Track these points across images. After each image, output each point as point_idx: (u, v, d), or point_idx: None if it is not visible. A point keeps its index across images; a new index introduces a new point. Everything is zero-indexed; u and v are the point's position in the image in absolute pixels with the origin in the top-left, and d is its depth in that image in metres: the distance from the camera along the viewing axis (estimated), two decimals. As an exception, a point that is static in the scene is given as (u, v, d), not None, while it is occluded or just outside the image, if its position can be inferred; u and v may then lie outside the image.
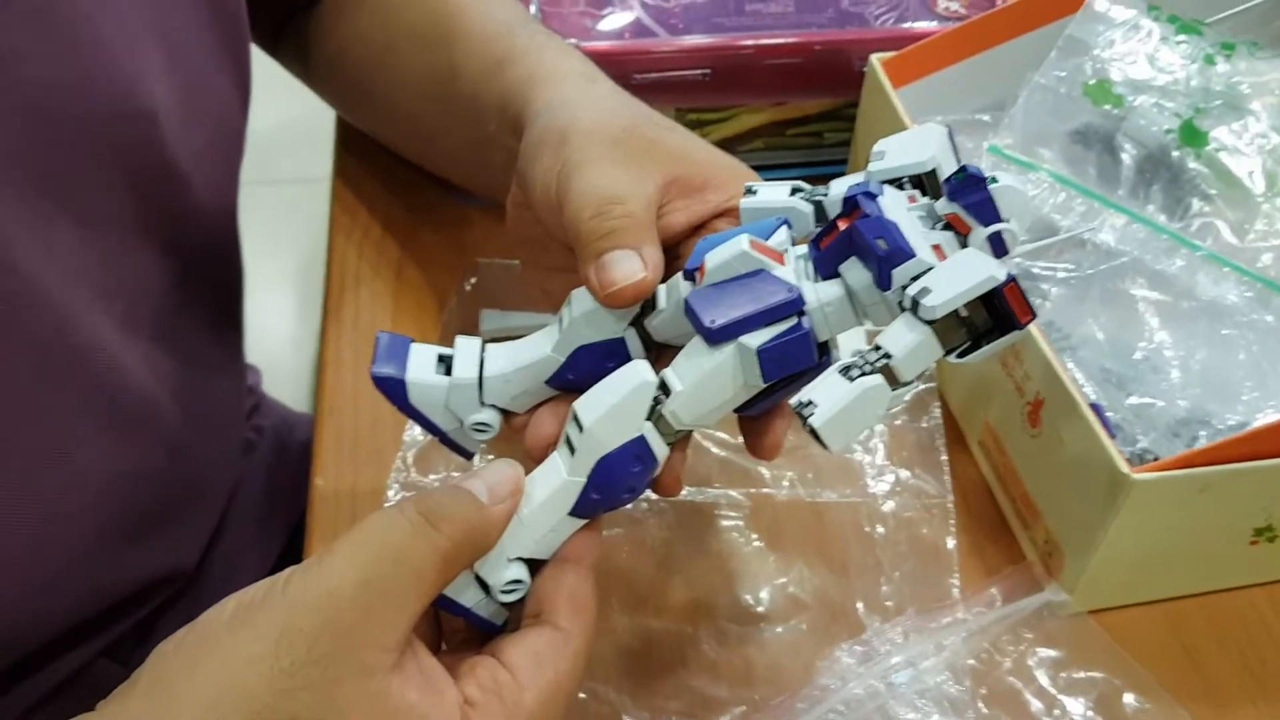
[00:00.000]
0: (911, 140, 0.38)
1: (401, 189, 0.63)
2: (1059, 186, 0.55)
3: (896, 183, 0.37)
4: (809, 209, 0.38)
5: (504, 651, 0.35)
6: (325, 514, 0.50)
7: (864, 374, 0.33)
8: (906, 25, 0.63)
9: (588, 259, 0.39)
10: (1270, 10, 0.59)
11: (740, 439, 0.52)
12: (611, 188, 0.40)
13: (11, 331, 0.42)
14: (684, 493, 0.51)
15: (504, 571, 0.36)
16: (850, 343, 0.38)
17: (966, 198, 0.35)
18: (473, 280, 0.58)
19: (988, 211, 0.35)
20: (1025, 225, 0.36)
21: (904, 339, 0.33)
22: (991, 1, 0.65)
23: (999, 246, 0.35)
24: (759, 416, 0.39)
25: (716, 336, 0.35)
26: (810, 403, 0.33)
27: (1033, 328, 0.47)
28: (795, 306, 0.35)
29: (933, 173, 0.37)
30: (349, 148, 0.65)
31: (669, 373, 0.36)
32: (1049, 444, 0.47)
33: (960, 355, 0.34)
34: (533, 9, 0.62)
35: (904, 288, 0.33)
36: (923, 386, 0.55)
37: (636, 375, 0.36)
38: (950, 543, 0.49)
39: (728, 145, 0.65)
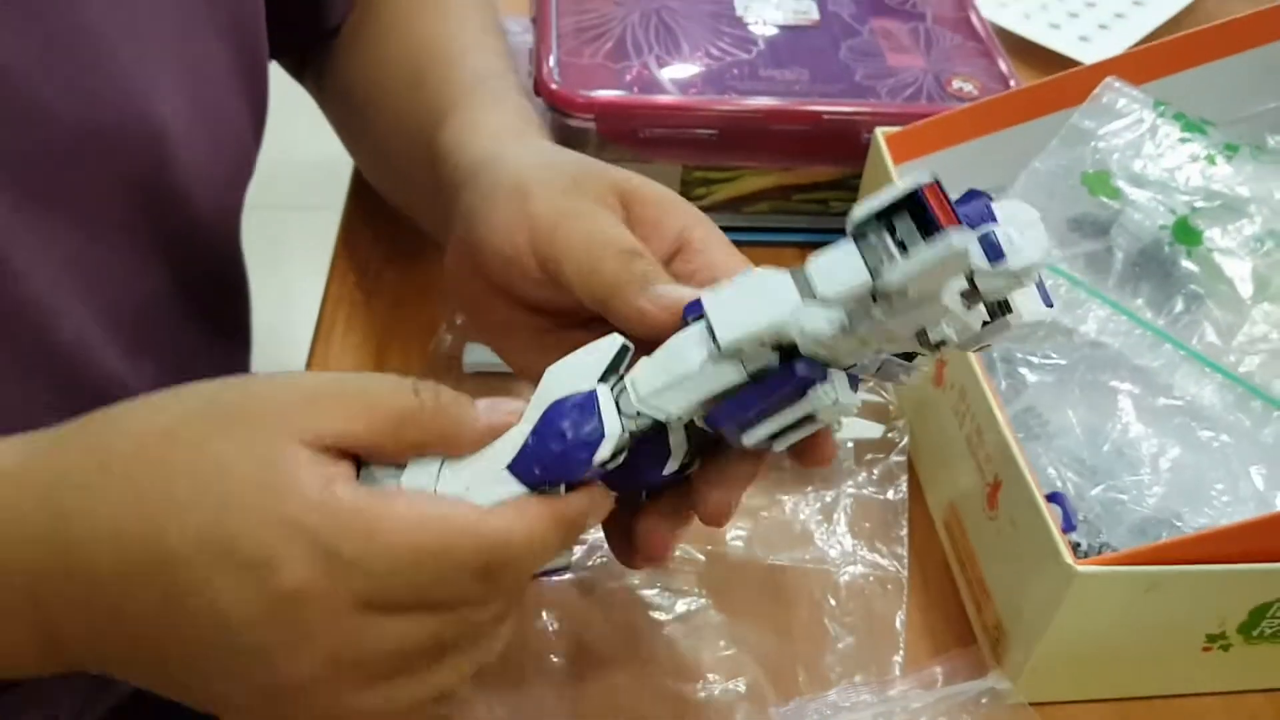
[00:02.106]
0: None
1: (409, 219, 0.65)
2: (1047, 273, 0.55)
3: None
4: None
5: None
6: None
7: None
8: (919, 103, 0.64)
9: (635, 294, 0.38)
10: (1281, 116, 0.59)
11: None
12: (617, 234, 0.40)
13: None
14: (640, 542, 0.51)
15: None
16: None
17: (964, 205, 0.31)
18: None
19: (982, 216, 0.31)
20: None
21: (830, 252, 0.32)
22: (1006, 86, 0.65)
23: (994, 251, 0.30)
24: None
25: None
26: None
27: (997, 410, 0.47)
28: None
29: None
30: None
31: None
32: (1003, 527, 0.46)
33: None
34: (551, 60, 0.64)
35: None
36: (895, 460, 0.54)
37: (609, 336, 0.35)
38: (899, 619, 0.49)
39: (733, 205, 0.66)
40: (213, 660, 0.33)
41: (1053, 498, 0.49)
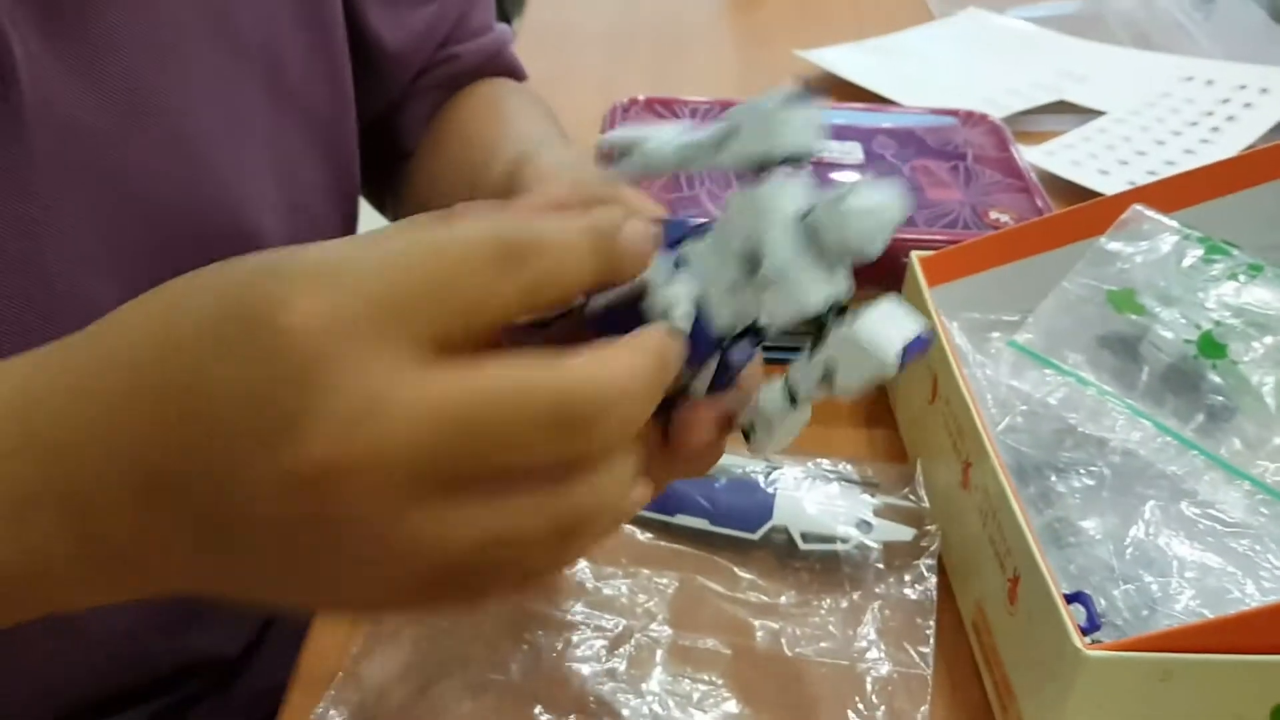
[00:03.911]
0: (762, 122, 0.33)
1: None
2: (1076, 383, 0.56)
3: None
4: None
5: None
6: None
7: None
8: (955, 231, 0.67)
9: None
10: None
11: (746, 577, 0.55)
12: None
13: None
14: (671, 632, 0.52)
15: None
16: None
17: None
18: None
19: None
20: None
21: (809, 383, 0.35)
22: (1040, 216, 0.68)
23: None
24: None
25: None
26: (748, 430, 0.36)
27: (1015, 505, 0.48)
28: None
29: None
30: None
31: None
32: (1022, 621, 0.47)
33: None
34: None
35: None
36: (925, 563, 0.55)
37: None
38: (921, 715, 0.49)
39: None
40: (227, 460, 0.27)
41: (1076, 597, 0.49)
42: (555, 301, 0.30)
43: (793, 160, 0.33)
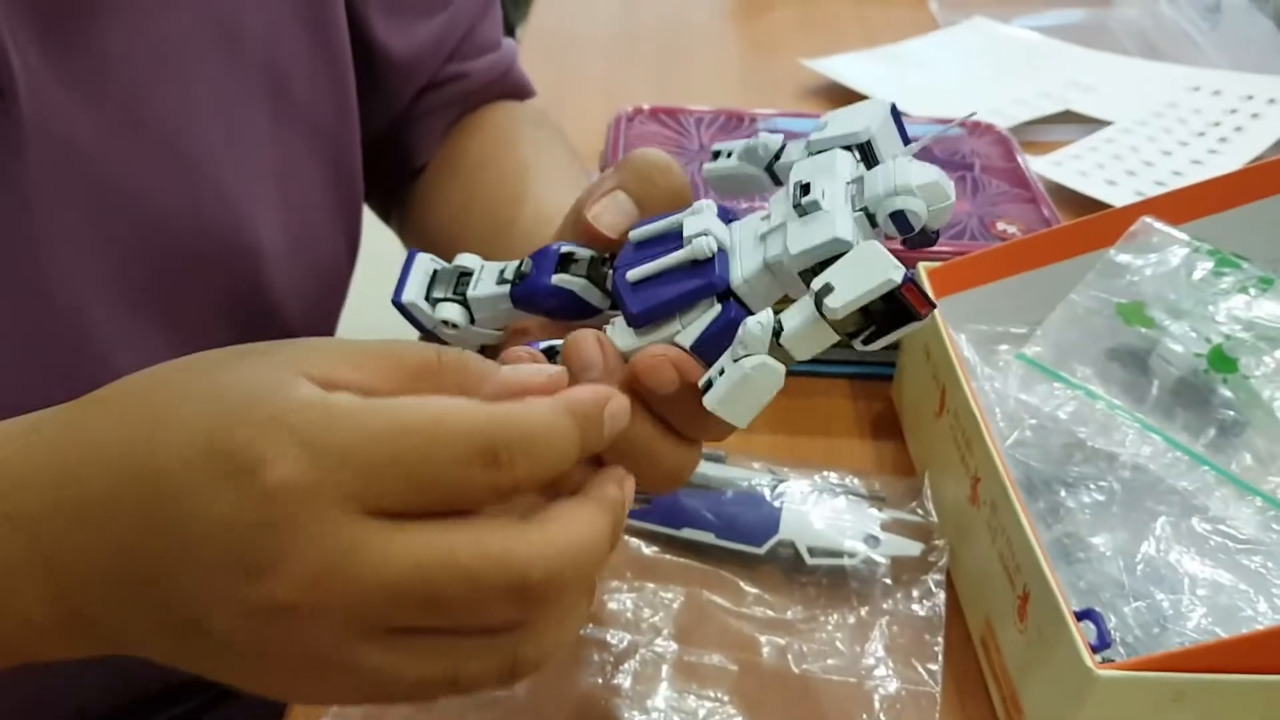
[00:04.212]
0: (854, 113, 0.39)
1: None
2: (1085, 396, 0.56)
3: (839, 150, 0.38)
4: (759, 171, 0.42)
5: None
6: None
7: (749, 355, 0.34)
8: (962, 242, 0.66)
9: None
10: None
11: (752, 592, 0.55)
12: None
13: None
14: (676, 648, 0.52)
15: (440, 308, 0.41)
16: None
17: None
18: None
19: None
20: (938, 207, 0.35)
21: (799, 318, 0.34)
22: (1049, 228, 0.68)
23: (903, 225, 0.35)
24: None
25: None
26: (710, 382, 0.35)
27: (1025, 521, 0.48)
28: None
29: (868, 143, 0.38)
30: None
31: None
32: (1032, 639, 0.46)
33: (864, 342, 0.34)
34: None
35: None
36: (933, 578, 0.55)
37: None
38: (930, 733, 0.49)
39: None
40: (201, 578, 0.30)
41: (1087, 614, 0.49)
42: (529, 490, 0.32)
43: (866, 150, 0.38)
